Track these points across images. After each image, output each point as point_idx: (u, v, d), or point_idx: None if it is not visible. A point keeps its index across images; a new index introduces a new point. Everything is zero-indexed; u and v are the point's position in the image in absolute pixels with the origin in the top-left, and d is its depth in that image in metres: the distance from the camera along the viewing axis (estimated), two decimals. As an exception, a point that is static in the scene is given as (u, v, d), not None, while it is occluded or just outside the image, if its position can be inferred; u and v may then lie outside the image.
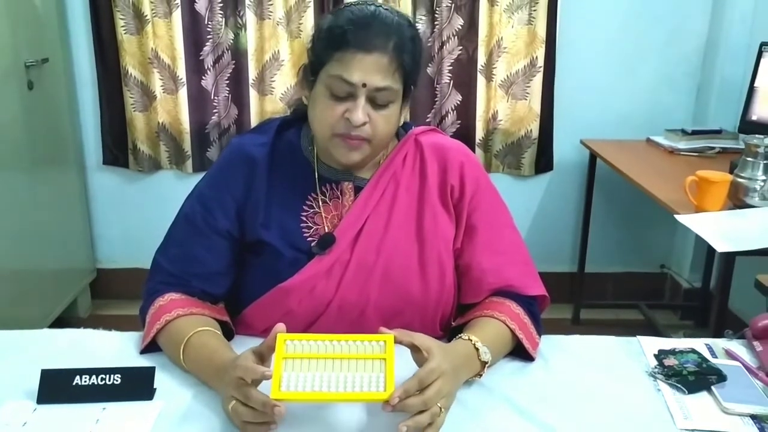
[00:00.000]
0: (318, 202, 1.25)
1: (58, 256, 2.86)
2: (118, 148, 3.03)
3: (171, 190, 3.10)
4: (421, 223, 1.24)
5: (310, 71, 1.19)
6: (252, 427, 0.94)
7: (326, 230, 1.23)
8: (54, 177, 2.84)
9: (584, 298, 3.09)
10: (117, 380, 1.06)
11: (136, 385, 1.06)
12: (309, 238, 1.22)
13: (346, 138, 1.15)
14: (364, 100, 1.13)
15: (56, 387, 1.05)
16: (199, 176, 2.93)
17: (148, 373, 1.08)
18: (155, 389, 1.07)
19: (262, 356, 0.98)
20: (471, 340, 1.10)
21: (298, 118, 1.31)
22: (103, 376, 1.06)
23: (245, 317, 1.26)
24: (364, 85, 1.12)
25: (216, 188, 1.25)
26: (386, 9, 1.19)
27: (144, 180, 3.11)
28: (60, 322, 2.82)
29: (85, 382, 1.05)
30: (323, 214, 1.24)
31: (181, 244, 1.25)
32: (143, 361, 1.16)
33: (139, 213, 3.15)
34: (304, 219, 1.24)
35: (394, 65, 1.14)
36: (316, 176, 1.25)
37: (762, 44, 2.42)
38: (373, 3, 1.19)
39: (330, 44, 1.14)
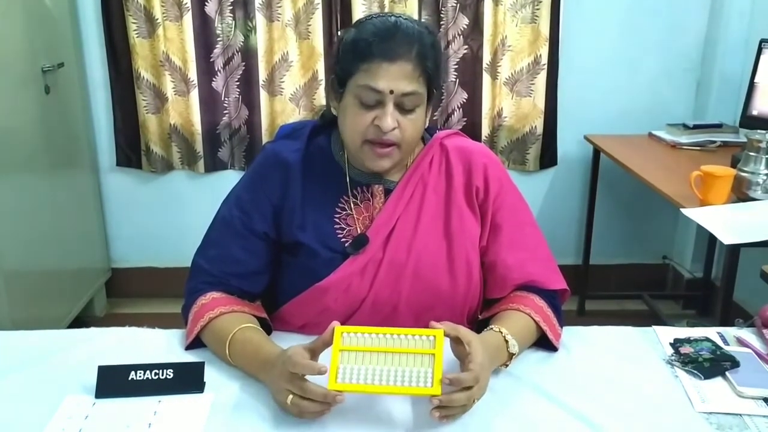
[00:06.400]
0: (350, 204, 1.31)
1: (74, 256, 2.92)
2: (131, 150, 3.09)
3: (183, 190, 3.18)
4: (448, 222, 1.31)
5: (338, 83, 1.25)
6: (310, 415, 1.02)
7: (358, 231, 1.29)
8: (69, 179, 2.89)
9: (589, 289, 3.17)
10: (169, 375, 1.12)
11: (187, 379, 1.13)
12: (342, 239, 1.29)
13: (376, 146, 1.22)
14: (392, 107, 1.20)
15: (113, 382, 1.11)
16: (211, 176, 3.10)
17: (198, 368, 1.15)
18: (205, 383, 1.14)
19: (314, 352, 1.05)
20: (501, 333, 1.17)
21: (327, 123, 1.37)
22: (157, 371, 1.13)
23: (283, 314, 1.32)
24: (392, 92, 1.19)
25: (253, 192, 1.32)
26: (406, 19, 1.25)
27: (157, 180, 3.17)
28: (77, 322, 2.87)
29: (140, 377, 1.12)
30: (355, 216, 1.31)
31: (219, 245, 1.31)
32: (190, 357, 1.23)
33: (152, 213, 3.21)
34: (337, 220, 1.31)
35: (418, 71, 1.20)
36: (348, 180, 1.32)
37: (762, 41, 2.48)
38: (393, 14, 1.26)
39: (356, 56, 1.21)
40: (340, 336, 1.04)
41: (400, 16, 1.25)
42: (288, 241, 1.30)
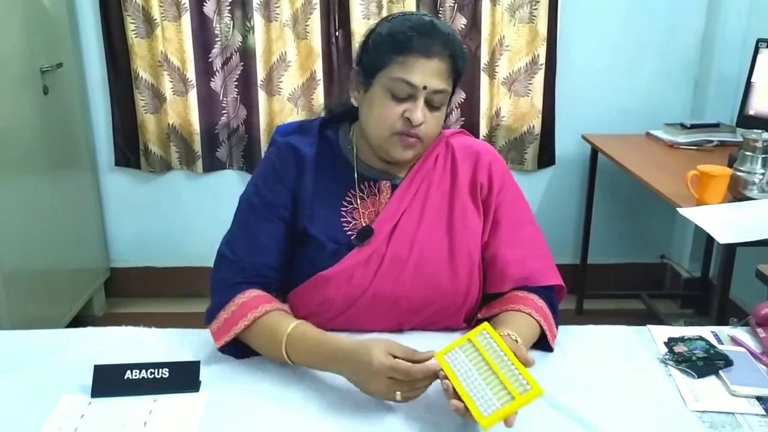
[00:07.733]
0: (356, 198, 1.33)
1: (73, 256, 2.92)
2: (129, 150, 3.10)
3: (182, 190, 3.19)
4: (451, 218, 1.32)
5: (365, 74, 1.27)
6: (415, 392, 1.07)
7: (364, 225, 1.31)
8: (68, 179, 2.90)
9: (587, 288, 3.17)
10: (165, 374, 1.13)
11: (182, 378, 1.13)
12: (348, 232, 1.31)
13: (404, 137, 1.24)
14: (422, 102, 1.22)
15: (109, 381, 1.12)
16: (210, 176, 3.11)
17: (193, 367, 1.15)
18: (200, 382, 1.15)
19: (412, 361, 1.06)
20: (517, 342, 1.16)
21: (334, 119, 1.39)
22: (152, 370, 1.13)
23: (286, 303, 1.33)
24: (425, 88, 1.21)
25: (271, 181, 1.32)
26: (439, 20, 1.28)
27: (155, 180, 3.17)
28: (76, 321, 2.88)
29: (136, 376, 1.13)
30: (361, 210, 1.33)
31: (244, 234, 1.31)
32: (187, 356, 1.23)
33: (150, 213, 3.22)
34: (344, 214, 1.32)
35: (450, 70, 1.24)
36: (356, 174, 1.33)
37: (759, 41, 2.49)
38: (426, 14, 1.29)
39: (392, 48, 1.22)
40: (480, 331, 1.10)
41: (433, 17, 1.29)
42: (299, 230, 1.31)
